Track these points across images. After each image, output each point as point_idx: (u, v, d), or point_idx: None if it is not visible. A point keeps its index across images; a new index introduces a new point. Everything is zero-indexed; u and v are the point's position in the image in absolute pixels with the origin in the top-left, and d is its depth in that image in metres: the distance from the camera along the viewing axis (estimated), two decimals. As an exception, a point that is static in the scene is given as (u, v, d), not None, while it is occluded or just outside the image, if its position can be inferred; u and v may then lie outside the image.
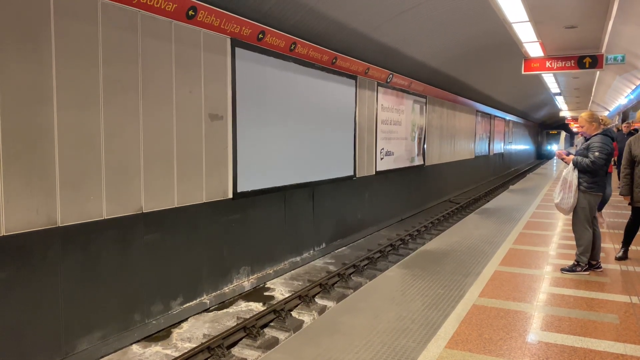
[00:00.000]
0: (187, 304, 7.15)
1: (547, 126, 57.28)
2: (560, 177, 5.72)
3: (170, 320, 6.79)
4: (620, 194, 6.16)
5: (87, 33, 5.57)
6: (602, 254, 5.90)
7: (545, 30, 11.45)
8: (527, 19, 10.15)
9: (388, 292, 5.11)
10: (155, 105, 6.49)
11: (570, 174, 5.60)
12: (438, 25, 11.47)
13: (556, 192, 5.73)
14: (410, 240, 12.04)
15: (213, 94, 7.46)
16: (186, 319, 6.98)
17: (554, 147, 49.47)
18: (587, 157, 5.49)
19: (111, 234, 6.00)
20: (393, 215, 14.82)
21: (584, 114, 5.75)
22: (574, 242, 5.81)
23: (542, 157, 52.62)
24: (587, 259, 5.65)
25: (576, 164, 5.55)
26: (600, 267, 5.75)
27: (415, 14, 10.19)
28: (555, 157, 32.81)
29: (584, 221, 5.58)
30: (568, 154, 5.85)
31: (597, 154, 5.42)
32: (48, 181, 5.25)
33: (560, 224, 8.76)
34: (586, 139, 5.74)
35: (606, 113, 31.92)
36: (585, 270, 5.65)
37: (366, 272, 9.40)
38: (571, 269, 5.70)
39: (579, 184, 5.53)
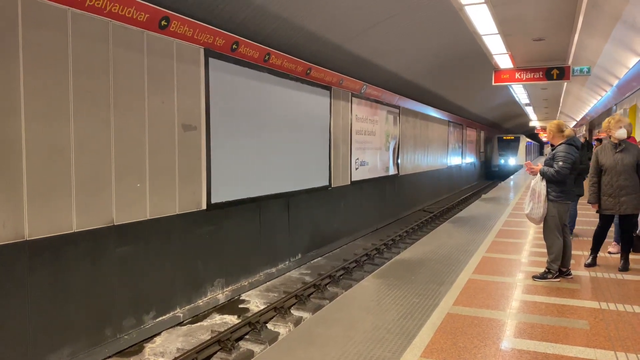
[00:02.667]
0: (160, 318, 7.02)
1: (501, 130, 43.75)
2: (529, 188, 5.82)
3: (142, 335, 6.65)
4: (588, 202, 6.31)
5: (56, 43, 5.47)
6: (572, 261, 6.01)
7: (514, 43, 11.74)
8: (497, 32, 10.39)
9: (364, 302, 5.11)
10: (127, 116, 6.40)
11: (539, 184, 5.69)
12: (410, 37, 11.64)
13: (526, 203, 5.83)
14: (385, 249, 12.09)
15: (186, 104, 7.40)
16: (159, 333, 6.85)
17: (512, 162, 37.65)
18: (552, 166, 5.60)
19: (81, 247, 5.86)
20: (368, 224, 14.88)
21: (552, 123, 5.86)
22: (545, 250, 5.91)
23: (492, 177, 38.08)
24: (558, 267, 5.75)
25: (543, 174, 5.66)
26: (571, 274, 5.86)
27: (388, 25, 10.32)
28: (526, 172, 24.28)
29: (554, 230, 5.68)
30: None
31: (560, 163, 5.51)
32: (15, 194, 5.11)
33: (532, 232, 8.91)
34: (552, 148, 5.85)
35: (573, 123, 32.78)
36: (555, 278, 5.74)
37: (342, 282, 9.39)
38: (542, 277, 5.78)
39: (548, 193, 5.64)
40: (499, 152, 38.54)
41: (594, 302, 5.02)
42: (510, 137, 39.21)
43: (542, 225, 5.84)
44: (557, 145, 5.72)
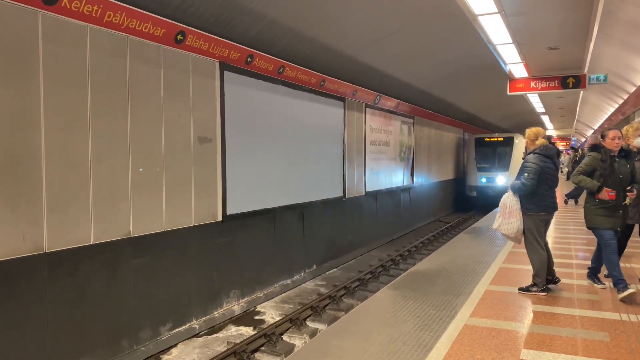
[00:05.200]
0: (177, 329, 7.05)
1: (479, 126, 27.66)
2: (502, 207, 5.69)
3: (159, 347, 6.67)
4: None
5: (75, 59, 5.59)
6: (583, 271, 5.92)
7: (528, 52, 11.70)
8: (511, 41, 10.37)
9: (379, 314, 5.08)
10: (144, 129, 6.49)
11: (510, 198, 5.60)
12: (423, 48, 11.65)
13: (496, 217, 5.74)
14: (400, 260, 12.02)
15: (202, 117, 7.48)
16: (175, 345, 6.87)
17: (502, 180, 21.75)
18: (519, 179, 5.49)
19: (99, 259, 5.93)
20: (383, 235, 14.81)
21: (529, 130, 5.72)
22: (563, 260, 5.84)
23: (466, 206, 23.47)
24: (543, 280, 5.61)
25: (512, 189, 5.59)
26: (558, 280, 5.78)
27: (401, 36, 10.35)
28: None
29: (533, 242, 5.57)
30: None
31: (525, 174, 5.42)
32: (35, 207, 5.20)
33: (550, 241, 8.80)
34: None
35: (591, 132, 32.40)
36: (542, 292, 5.60)
37: (357, 293, 9.35)
38: (527, 289, 5.67)
39: (522, 206, 5.55)
40: (478, 163, 22.46)
41: (614, 313, 4.93)
42: (496, 138, 22.78)
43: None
44: (527, 155, 5.62)
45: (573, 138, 47.83)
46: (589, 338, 4.30)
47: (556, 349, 4.08)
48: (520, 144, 21.81)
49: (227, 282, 8.12)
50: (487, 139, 22.79)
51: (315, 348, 4.32)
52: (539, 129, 5.74)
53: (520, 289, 5.73)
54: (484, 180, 22.17)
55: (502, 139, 22.58)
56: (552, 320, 4.79)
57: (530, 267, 5.98)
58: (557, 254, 7.32)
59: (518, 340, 4.29)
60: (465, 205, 23.60)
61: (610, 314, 4.90)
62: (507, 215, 5.57)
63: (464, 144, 25.21)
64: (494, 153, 22.43)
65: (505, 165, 22.02)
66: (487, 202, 20.64)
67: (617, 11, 8.43)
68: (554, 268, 5.84)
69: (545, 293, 5.61)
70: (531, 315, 4.96)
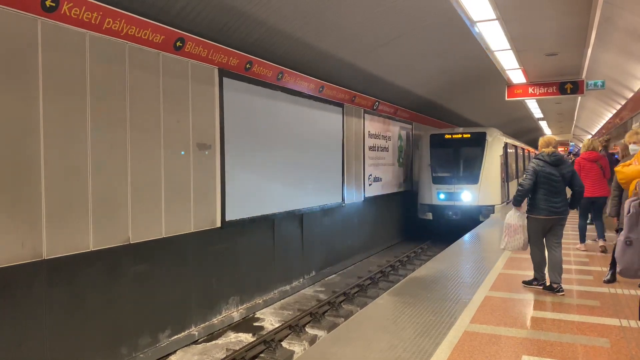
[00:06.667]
0: (176, 336, 7.02)
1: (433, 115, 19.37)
2: (506, 228, 5.91)
3: (158, 354, 6.65)
4: (609, 216, 6.22)
5: (75, 66, 5.60)
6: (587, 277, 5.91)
7: (527, 58, 11.74)
8: (509, 47, 10.40)
9: (379, 321, 5.07)
10: (143, 136, 6.49)
11: (513, 217, 5.85)
12: (422, 55, 11.69)
13: (502, 238, 5.99)
14: (400, 266, 12.01)
15: (201, 123, 7.48)
16: (174, 352, 6.85)
17: (468, 197, 14.95)
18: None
19: (98, 266, 5.91)
20: (382, 241, 14.80)
21: (540, 139, 6.07)
22: (564, 265, 5.95)
23: (416, 232, 16.78)
24: (542, 276, 5.94)
25: (514, 201, 5.89)
26: (561, 291, 5.83)
27: (399, 44, 10.39)
28: None
29: (531, 242, 5.92)
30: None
31: (524, 176, 5.78)
32: (34, 214, 5.19)
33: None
34: None
35: (588, 137, 32.50)
36: (540, 286, 5.93)
37: (357, 299, 9.33)
38: (529, 283, 6.06)
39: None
40: (434, 172, 15.79)
41: (614, 319, 4.92)
42: (460, 134, 15.97)
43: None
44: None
45: (571, 143, 47.88)
46: (590, 344, 4.29)
47: (557, 355, 4.07)
48: (495, 143, 15.25)
49: (226, 288, 8.10)
50: (447, 136, 15.92)
51: (315, 356, 4.30)
52: (551, 138, 6.02)
53: (524, 282, 6.11)
54: (442, 196, 15.34)
55: (469, 135, 15.61)
56: (552, 326, 4.78)
57: (531, 273, 6.03)
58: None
59: (518, 346, 4.28)
60: (412, 231, 16.94)
61: (611, 320, 4.89)
62: (512, 234, 5.75)
63: (413, 143, 17.60)
64: (457, 156, 15.68)
65: (473, 174, 15.12)
66: (450, 228, 14.65)
67: (615, 18, 8.47)
68: (561, 276, 5.86)
69: (542, 287, 5.89)
70: (531, 321, 4.95)
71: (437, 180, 15.56)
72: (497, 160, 15.15)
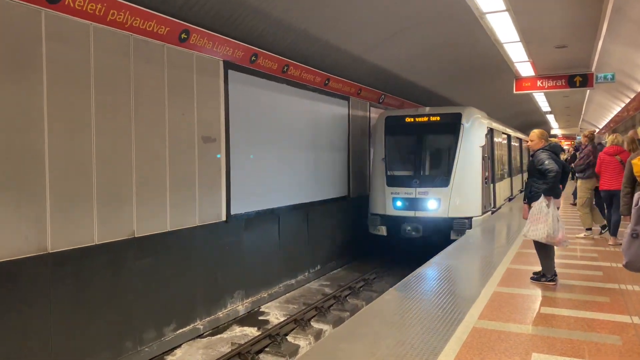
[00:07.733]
0: (181, 330, 7.00)
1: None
2: (530, 215, 5.73)
3: (163, 347, 6.63)
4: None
5: (79, 58, 5.54)
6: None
7: (536, 50, 11.59)
8: (518, 39, 10.26)
9: (386, 316, 5.01)
10: (148, 129, 6.43)
11: (542, 205, 5.60)
12: (429, 47, 11.55)
13: (526, 229, 5.79)
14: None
15: (206, 116, 7.42)
16: (180, 346, 6.83)
17: (434, 205, 10.53)
18: (537, 172, 5.61)
19: (103, 260, 5.88)
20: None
21: (536, 131, 5.97)
22: (569, 261, 5.83)
23: (364, 251, 12.56)
24: (552, 271, 5.87)
25: (544, 191, 5.61)
26: (554, 281, 5.88)
27: (406, 36, 10.27)
28: None
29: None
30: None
31: (546, 162, 5.51)
32: (38, 207, 5.15)
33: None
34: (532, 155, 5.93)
35: (596, 131, 32.25)
36: (550, 281, 5.84)
37: (362, 293, 9.29)
38: (537, 279, 5.94)
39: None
40: (388, 169, 11.35)
41: (625, 316, 4.84)
42: (426, 117, 11.30)
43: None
44: (536, 151, 5.84)
45: (577, 137, 47.58)
46: (601, 341, 4.21)
47: (567, 352, 4.00)
48: (475, 128, 11.00)
49: (231, 282, 8.07)
50: (408, 119, 11.52)
51: (323, 351, 4.25)
52: (544, 131, 6.04)
53: (532, 278, 6.00)
54: (399, 204, 11.06)
55: (437, 117, 11.27)
56: (562, 322, 4.70)
57: (539, 268, 5.95)
58: (561, 254, 7.24)
59: (528, 343, 4.21)
60: (362, 251, 12.72)
61: (622, 317, 4.81)
62: (535, 222, 5.61)
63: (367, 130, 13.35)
64: (421, 148, 11.40)
65: (443, 173, 11.04)
66: (411, 248, 10.92)
67: (627, 9, 8.32)
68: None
69: (554, 283, 5.82)
70: (541, 317, 4.87)
71: (392, 182, 11.20)
72: (478, 153, 10.87)
